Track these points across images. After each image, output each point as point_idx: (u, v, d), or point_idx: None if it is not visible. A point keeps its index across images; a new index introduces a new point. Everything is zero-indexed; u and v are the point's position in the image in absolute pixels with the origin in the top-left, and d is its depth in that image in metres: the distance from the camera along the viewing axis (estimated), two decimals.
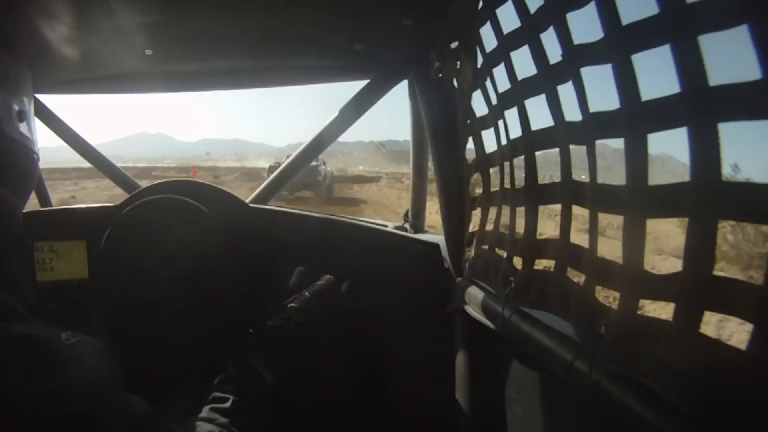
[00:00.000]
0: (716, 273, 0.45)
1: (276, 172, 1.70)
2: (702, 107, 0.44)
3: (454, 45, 1.06)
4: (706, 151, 0.44)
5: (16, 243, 0.78)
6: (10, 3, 0.93)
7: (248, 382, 0.96)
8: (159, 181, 1.52)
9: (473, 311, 1.08)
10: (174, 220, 1.37)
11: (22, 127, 0.73)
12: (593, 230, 0.64)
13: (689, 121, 0.45)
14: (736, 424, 0.42)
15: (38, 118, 1.31)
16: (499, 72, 0.84)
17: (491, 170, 1.03)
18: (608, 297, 0.63)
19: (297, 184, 15.92)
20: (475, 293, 1.06)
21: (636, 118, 0.52)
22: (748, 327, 0.41)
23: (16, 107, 0.71)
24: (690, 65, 0.44)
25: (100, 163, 1.73)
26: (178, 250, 1.37)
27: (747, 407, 0.41)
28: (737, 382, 0.42)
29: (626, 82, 0.52)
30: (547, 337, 0.74)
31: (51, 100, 1.60)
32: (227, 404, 0.86)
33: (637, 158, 0.52)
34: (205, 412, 0.84)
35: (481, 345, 1.12)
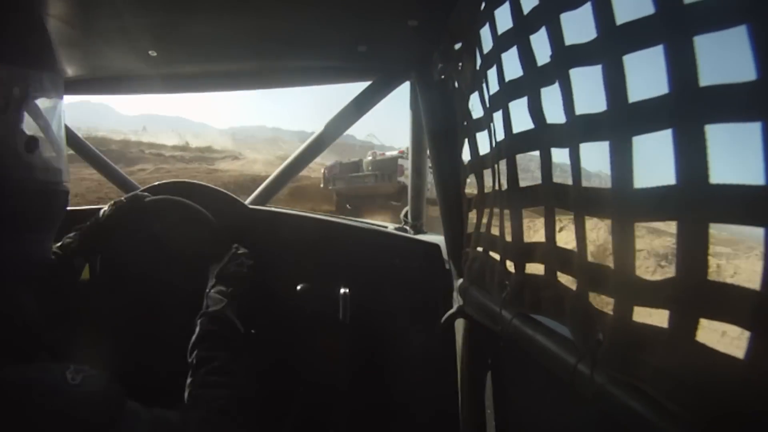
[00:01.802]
0: (711, 279, 0.44)
1: (275, 173, 1.70)
2: (690, 109, 0.43)
3: (457, 46, 1.06)
4: (693, 153, 0.43)
5: (43, 285, 0.72)
6: (12, 3, 0.94)
7: (227, 334, 1.01)
8: (158, 182, 1.53)
9: (474, 313, 1.07)
10: (174, 223, 1.38)
11: (34, 159, 0.58)
12: (580, 234, 0.63)
13: (676, 123, 0.44)
14: (734, 428, 0.42)
15: None
16: (493, 74, 0.84)
17: (485, 172, 1.02)
18: (602, 302, 0.62)
19: (367, 191, 11.39)
20: (475, 295, 1.05)
21: (622, 121, 0.51)
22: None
23: (23, 138, 0.58)
24: (681, 66, 0.43)
25: (99, 164, 1.74)
26: (178, 251, 1.38)
27: (745, 414, 0.41)
28: (735, 388, 0.41)
29: (615, 83, 0.51)
30: (549, 340, 0.73)
31: None
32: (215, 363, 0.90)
33: (622, 161, 0.51)
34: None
35: (482, 346, 1.11)
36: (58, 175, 0.63)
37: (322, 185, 13.02)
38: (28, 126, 0.58)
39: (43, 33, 1.07)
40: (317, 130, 1.65)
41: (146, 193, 1.49)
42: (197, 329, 1.03)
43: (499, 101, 0.82)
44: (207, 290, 1.16)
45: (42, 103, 0.61)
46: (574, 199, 0.62)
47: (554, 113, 0.66)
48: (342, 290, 1.49)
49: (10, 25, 0.97)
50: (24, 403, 0.51)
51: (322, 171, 12.99)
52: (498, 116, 0.83)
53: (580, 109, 0.59)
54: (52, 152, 0.61)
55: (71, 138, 1.67)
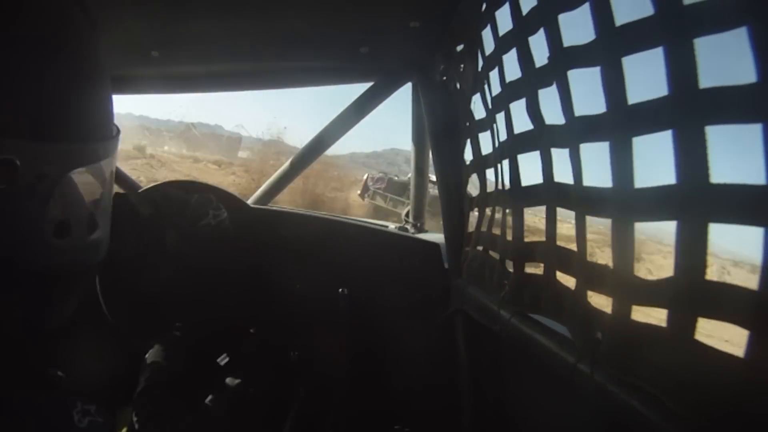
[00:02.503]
0: (709, 278, 0.44)
1: (277, 174, 1.70)
2: (690, 110, 0.43)
3: (459, 48, 1.06)
4: (693, 154, 0.43)
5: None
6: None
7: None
8: (161, 182, 1.54)
9: (473, 312, 1.07)
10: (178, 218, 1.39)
11: (64, 244, 0.49)
12: (581, 233, 0.63)
13: (676, 123, 0.44)
14: (733, 427, 0.42)
15: None
16: (495, 75, 0.84)
17: (487, 172, 1.02)
18: (601, 301, 0.62)
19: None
20: (474, 294, 1.06)
21: (622, 122, 0.51)
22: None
23: (52, 224, 0.46)
24: (681, 68, 0.44)
25: None
26: (181, 248, 1.39)
27: (744, 412, 0.41)
28: (733, 387, 0.42)
29: (614, 85, 0.52)
30: (548, 339, 0.73)
31: None
32: None
33: (622, 162, 0.52)
34: None
35: (482, 345, 1.11)
36: (93, 252, 0.53)
37: (358, 192, 12.36)
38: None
39: None
40: (318, 132, 1.65)
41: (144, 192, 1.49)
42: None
43: (501, 102, 0.82)
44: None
45: (87, 174, 0.50)
46: (575, 199, 0.63)
47: (556, 114, 0.66)
48: (342, 289, 1.49)
49: None
50: None
51: (365, 178, 12.36)
52: (500, 117, 0.84)
53: (583, 110, 0.59)
54: (91, 229, 0.52)
55: None
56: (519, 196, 0.80)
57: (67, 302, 0.56)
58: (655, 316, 0.54)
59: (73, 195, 0.49)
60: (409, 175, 1.63)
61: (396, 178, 11.79)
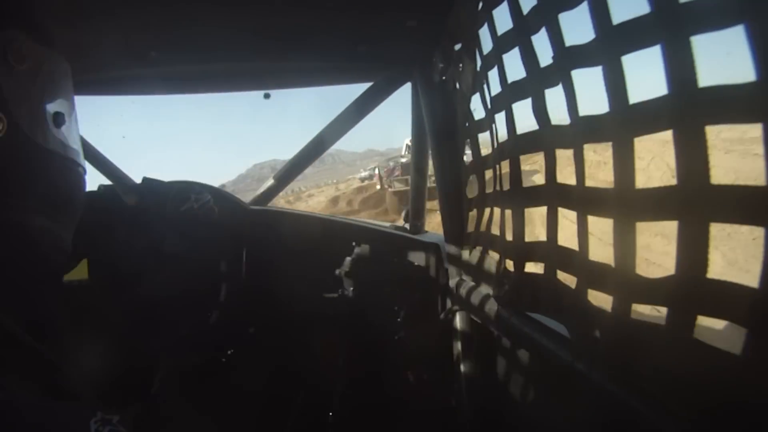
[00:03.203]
0: (709, 277, 0.44)
1: (276, 174, 1.70)
2: (689, 110, 0.43)
3: (457, 47, 1.06)
4: (693, 154, 0.43)
5: (58, 283, 0.66)
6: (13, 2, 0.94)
7: None
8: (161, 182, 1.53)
9: (473, 311, 1.08)
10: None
11: (61, 134, 0.57)
12: (582, 233, 0.63)
13: (676, 123, 0.44)
14: (732, 425, 0.42)
15: None
16: (494, 75, 0.84)
17: (486, 172, 1.02)
18: (600, 300, 0.62)
19: None
20: (474, 294, 1.06)
21: (624, 122, 0.51)
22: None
23: (51, 109, 0.56)
24: (679, 67, 0.44)
25: (100, 164, 1.74)
26: (178, 251, 1.38)
27: (742, 410, 0.41)
28: (732, 385, 0.42)
29: (615, 84, 0.52)
30: (547, 338, 0.73)
31: None
32: None
33: (624, 162, 0.52)
34: None
35: (481, 345, 1.11)
36: (78, 156, 0.61)
37: (378, 187, 13.45)
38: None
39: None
40: (318, 132, 1.65)
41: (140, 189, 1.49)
42: None
43: (501, 102, 0.82)
44: None
45: (59, 85, 0.59)
46: (577, 199, 0.63)
47: (556, 114, 0.66)
48: (342, 290, 1.49)
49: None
50: None
51: (377, 174, 13.56)
52: (500, 117, 0.83)
53: (585, 110, 0.59)
54: (72, 132, 0.59)
55: None
56: (520, 197, 0.80)
57: (69, 214, 0.60)
58: (652, 315, 0.54)
59: (57, 97, 0.57)
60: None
61: (404, 160, 12.38)
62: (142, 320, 1.32)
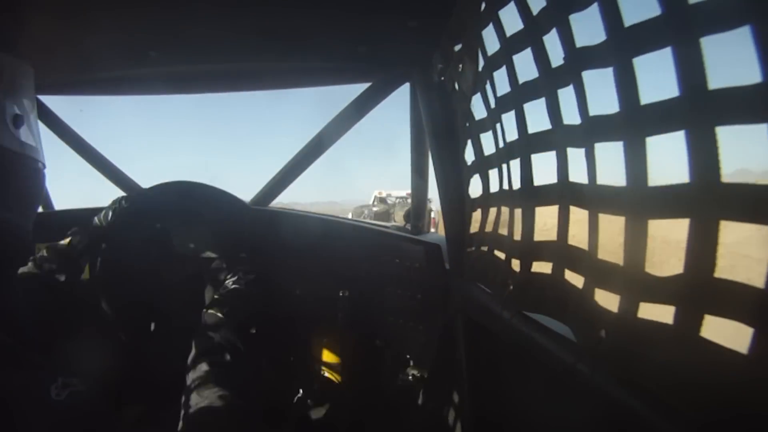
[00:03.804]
0: (717, 276, 0.44)
1: (276, 175, 1.70)
2: (701, 110, 0.43)
3: (457, 47, 1.06)
4: (704, 153, 0.43)
5: (15, 268, 0.69)
6: (12, 2, 0.93)
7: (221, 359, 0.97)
8: (161, 183, 1.53)
9: (474, 312, 1.08)
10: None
11: (21, 134, 0.61)
12: (593, 232, 0.63)
13: (688, 123, 0.45)
14: (738, 425, 0.42)
15: (38, 119, 1.30)
16: (499, 75, 0.84)
17: (490, 172, 1.02)
18: (607, 299, 0.62)
19: None
20: (476, 294, 1.06)
21: (635, 122, 0.52)
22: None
23: (12, 111, 0.60)
24: (690, 67, 0.44)
25: (101, 165, 1.73)
26: (180, 251, 1.38)
27: (748, 411, 0.41)
28: (738, 385, 0.42)
29: (626, 85, 0.52)
30: (549, 339, 0.74)
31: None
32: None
33: (636, 161, 0.52)
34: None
35: (483, 346, 1.11)
36: (36, 153, 0.66)
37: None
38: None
39: (39, 31, 1.07)
40: (316, 132, 1.65)
41: (145, 194, 1.48)
42: (192, 350, 1.00)
43: (511, 102, 0.82)
44: (204, 310, 1.13)
45: (20, 88, 0.65)
46: (589, 198, 0.63)
47: (566, 114, 0.67)
48: (343, 290, 1.49)
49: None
50: (3, 416, 0.49)
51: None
52: (508, 117, 0.84)
53: (594, 109, 0.60)
54: (31, 132, 0.65)
55: (70, 136, 1.65)
56: (531, 196, 0.80)
57: (27, 208, 0.67)
58: (658, 314, 0.54)
59: (16, 101, 0.62)
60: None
61: (375, 209, 12.32)
62: (143, 320, 1.32)
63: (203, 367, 0.91)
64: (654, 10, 0.47)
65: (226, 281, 1.23)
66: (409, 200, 1.69)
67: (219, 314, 1.09)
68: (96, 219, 1.28)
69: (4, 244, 0.61)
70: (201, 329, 1.06)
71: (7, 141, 0.60)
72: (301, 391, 1.54)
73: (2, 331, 0.56)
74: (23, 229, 0.64)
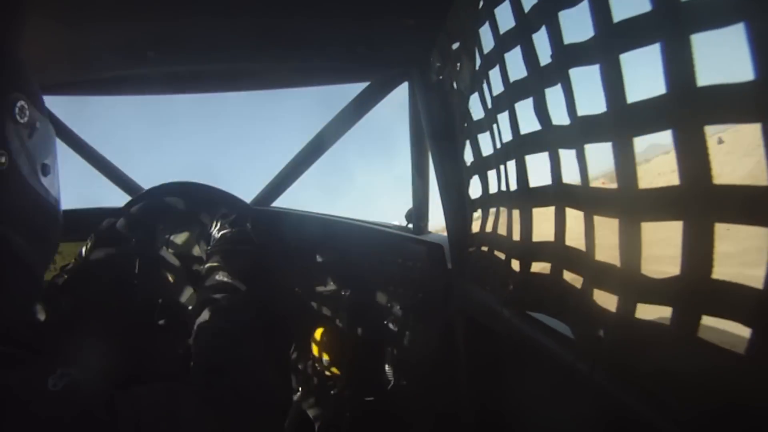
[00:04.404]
0: (714, 277, 0.44)
1: (278, 175, 1.70)
2: (689, 109, 0.43)
3: (455, 46, 1.05)
4: (694, 153, 0.43)
5: (27, 301, 0.73)
6: (12, 2, 0.94)
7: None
8: (162, 183, 1.53)
9: (475, 312, 1.08)
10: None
11: (47, 181, 0.68)
12: (589, 233, 0.63)
13: (676, 123, 0.44)
14: (736, 426, 0.42)
15: None
16: (494, 74, 0.84)
17: (488, 173, 1.02)
18: (606, 299, 0.63)
19: None
20: (477, 294, 1.06)
21: (623, 121, 0.51)
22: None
23: (40, 160, 0.67)
24: (678, 65, 0.43)
25: (102, 166, 1.74)
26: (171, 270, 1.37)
27: (747, 412, 0.41)
28: (737, 386, 0.41)
29: (614, 83, 0.51)
30: (549, 339, 0.73)
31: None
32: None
33: (625, 162, 0.51)
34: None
35: (483, 346, 1.11)
36: (57, 204, 0.73)
37: None
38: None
39: (37, 31, 1.07)
40: (316, 133, 1.65)
41: (127, 209, 1.47)
42: (196, 298, 1.05)
43: (504, 102, 0.82)
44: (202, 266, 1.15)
45: (47, 143, 0.72)
46: (583, 199, 0.63)
47: (557, 114, 0.66)
48: (344, 289, 1.49)
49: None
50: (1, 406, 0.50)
51: None
52: (502, 117, 0.83)
53: (587, 109, 0.59)
54: (54, 184, 0.71)
55: (71, 137, 1.66)
56: (527, 197, 0.80)
57: (46, 256, 0.73)
58: (656, 315, 0.54)
59: (44, 147, 0.70)
60: None
61: None
62: (145, 322, 1.32)
63: (208, 309, 0.96)
64: (644, 6, 0.46)
65: (212, 233, 1.25)
66: None
67: (215, 263, 1.11)
68: (76, 257, 1.26)
69: (18, 271, 0.64)
70: (202, 281, 1.09)
71: (39, 187, 0.66)
72: (300, 389, 1.54)
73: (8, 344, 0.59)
74: (37, 268, 0.68)
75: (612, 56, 0.51)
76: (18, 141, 0.62)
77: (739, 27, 0.37)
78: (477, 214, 1.12)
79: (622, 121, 0.51)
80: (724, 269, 0.41)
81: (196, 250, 1.33)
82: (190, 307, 1.29)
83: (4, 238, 0.61)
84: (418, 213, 1.60)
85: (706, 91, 0.42)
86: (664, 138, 0.45)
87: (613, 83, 0.52)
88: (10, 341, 0.60)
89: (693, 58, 0.42)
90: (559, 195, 0.70)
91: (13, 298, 0.64)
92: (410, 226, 1.61)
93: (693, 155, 0.43)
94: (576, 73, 0.59)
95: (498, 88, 0.84)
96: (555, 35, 0.62)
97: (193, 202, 1.35)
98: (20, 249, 0.63)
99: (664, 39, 0.45)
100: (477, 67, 0.92)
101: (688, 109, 0.43)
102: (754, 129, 0.36)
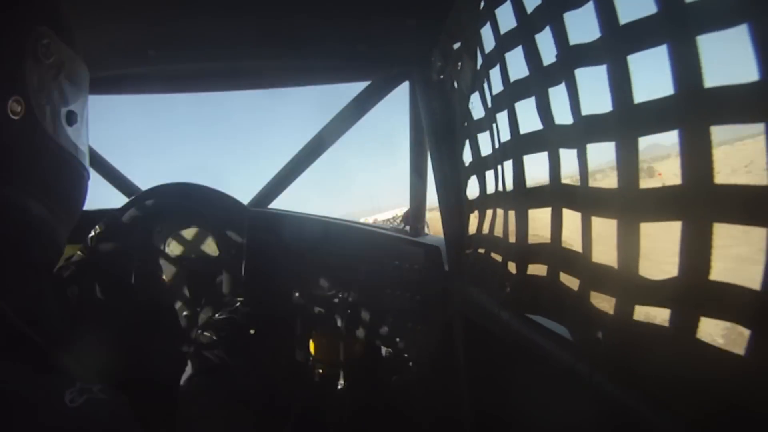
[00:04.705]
0: (712, 278, 0.44)
1: (276, 175, 1.70)
2: (695, 109, 0.43)
3: (456, 46, 1.06)
4: (698, 154, 0.43)
5: (51, 273, 0.66)
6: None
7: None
8: (159, 184, 1.53)
9: (473, 314, 1.07)
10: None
11: (71, 132, 0.59)
12: (586, 234, 0.63)
13: (682, 123, 0.44)
14: (735, 427, 0.42)
15: None
16: (495, 74, 0.84)
17: (486, 173, 1.02)
18: (604, 302, 0.62)
19: None
20: (475, 296, 1.05)
21: (628, 121, 0.51)
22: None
23: (66, 106, 0.58)
24: (685, 67, 0.43)
25: (100, 166, 1.73)
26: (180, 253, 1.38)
27: (745, 412, 0.41)
28: (735, 387, 0.41)
29: (620, 84, 0.51)
30: (547, 340, 0.73)
31: None
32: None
33: (628, 162, 0.51)
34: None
35: (481, 348, 1.11)
36: (84, 158, 0.64)
37: None
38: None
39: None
40: (316, 132, 1.65)
41: (125, 211, 1.48)
42: (187, 368, 1.00)
43: (503, 102, 0.82)
44: (198, 331, 1.13)
45: (76, 86, 0.62)
46: (582, 200, 0.62)
47: (559, 114, 0.66)
48: (342, 291, 1.49)
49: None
50: (9, 417, 0.44)
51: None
52: (502, 116, 0.83)
53: (586, 109, 0.59)
54: (81, 135, 0.63)
55: None
56: (523, 198, 0.80)
57: (70, 214, 0.62)
58: (655, 316, 0.54)
59: (70, 99, 0.60)
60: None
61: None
62: (144, 322, 1.32)
63: (198, 384, 0.91)
64: (650, 8, 0.47)
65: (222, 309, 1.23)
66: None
67: (213, 336, 1.08)
68: (82, 245, 1.26)
69: (41, 245, 0.57)
70: (195, 349, 1.06)
71: (60, 136, 0.57)
72: (300, 390, 1.54)
73: (33, 329, 0.53)
74: (61, 237, 0.61)
75: (619, 57, 0.51)
76: (39, 85, 0.53)
77: (743, 27, 0.38)
78: (474, 216, 1.12)
79: (628, 121, 0.51)
80: (742, 273, 0.41)
81: (196, 249, 1.34)
82: (189, 308, 1.29)
83: (24, 209, 0.53)
84: (416, 215, 1.59)
85: (712, 92, 0.42)
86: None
87: (620, 83, 0.52)
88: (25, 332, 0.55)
89: (699, 59, 0.43)
90: (556, 195, 0.70)
91: (34, 275, 0.57)
92: (407, 227, 1.61)
93: (697, 156, 0.43)
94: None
95: (499, 87, 0.84)
96: (560, 36, 0.62)
97: (191, 203, 1.35)
98: (42, 220, 0.55)
99: (670, 40, 0.45)
100: (478, 67, 0.92)
101: (695, 109, 0.43)
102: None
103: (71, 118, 0.59)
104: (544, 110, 0.69)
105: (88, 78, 0.67)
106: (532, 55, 0.70)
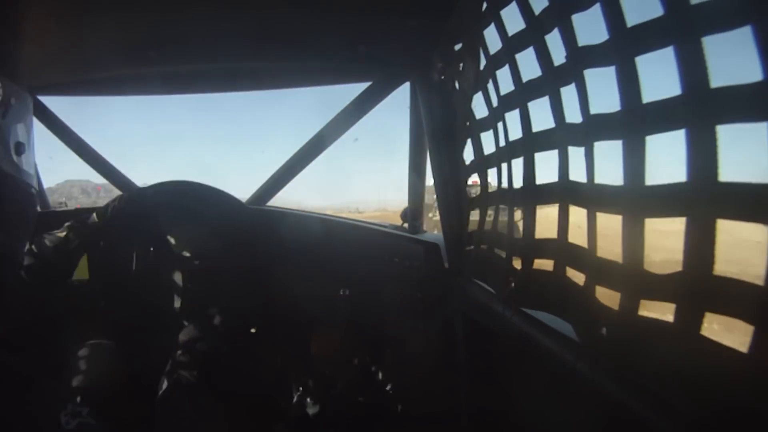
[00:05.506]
0: (716, 274, 0.45)
1: (274, 174, 1.69)
2: (702, 109, 0.44)
3: (457, 46, 1.06)
4: (704, 152, 0.44)
5: (17, 290, 0.69)
6: (12, 3, 0.93)
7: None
8: (158, 182, 1.52)
9: (473, 311, 1.08)
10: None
11: (20, 161, 0.62)
12: (592, 230, 0.64)
13: (688, 122, 0.45)
14: (737, 424, 0.42)
15: (38, 119, 1.31)
16: (502, 74, 0.84)
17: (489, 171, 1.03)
18: (608, 297, 0.63)
19: None
20: (475, 293, 1.06)
21: (636, 120, 0.52)
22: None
23: (14, 139, 0.61)
24: (692, 67, 0.44)
25: (99, 165, 1.72)
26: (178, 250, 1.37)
27: (748, 408, 0.41)
28: (738, 383, 0.42)
29: (628, 84, 0.52)
30: (548, 337, 0.74)
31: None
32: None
33: (635, 160, 0.52)
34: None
35: (482, 345, 1.12)
36: (32, 179, 0.70)
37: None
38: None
39: (39, 32, 1.06)
40: (316, 131, 1.65)
41: (144, 192, 1.48)
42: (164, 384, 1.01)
43: (514, 101, 0.83)
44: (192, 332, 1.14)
45: (22, 118, 0.66)
46: (588, 196, 0.63)
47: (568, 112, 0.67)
48: (342, 289, 1.49)
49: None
50: None
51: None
52: (510, 115, 0.84)
53: (595, 108, 0.60)
54: (29, 159, 0.68)
55: (69, 136, 1.65)
56: (532, 195, 0.81)
57: (23, 232, 0.70)
58: (658, 312, 0.54)
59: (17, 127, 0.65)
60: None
61: None
62: (141, 325, 1.31)
63: (180, 377, 0.93)
64: (656, 10, 0.47)
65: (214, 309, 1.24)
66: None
67: (210, 336, 1.09)
68: (94, 215, 1.27)
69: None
70: (180, 343, 1.06)
71: (10, 168, 0.62)
72: (300, 389, 1.53)
73: (5, 348, 0.56)
74: (18, 254, 0.66)
75: (627, 58, 0.52)
76: None
77: (748, 28, 0.38)
78: (474, 213, 1.13)
79: (636, 120, 0.52)
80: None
81: (194, 246, 1.33)
82: (186, 306, 1.29)
83: None
84: (414, 212, 1.60)
85: (718, 92, 0.43)
86: None
87: (628, 84, 0.53)
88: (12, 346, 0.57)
89: (705, 60, 0.44)
90: (564, 192, 0.70)
91: None
92: (406, 225, 1.61)
93: (703, 154, 0.44)
94: None
95: (505, 87, 0.85)
96: (569, 37, 0.63)
97: (195, 200, 1.35)
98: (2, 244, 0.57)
99: (676, 42, 0.46)
100: (482, 68, 0.93)
101: (701, 109, 0.44)
102: None
103: (19, 149, 0.65)
104: (556, 109, 0.69)
105: (32, 108, 0.71)
106: (543, 56, 0.71)
